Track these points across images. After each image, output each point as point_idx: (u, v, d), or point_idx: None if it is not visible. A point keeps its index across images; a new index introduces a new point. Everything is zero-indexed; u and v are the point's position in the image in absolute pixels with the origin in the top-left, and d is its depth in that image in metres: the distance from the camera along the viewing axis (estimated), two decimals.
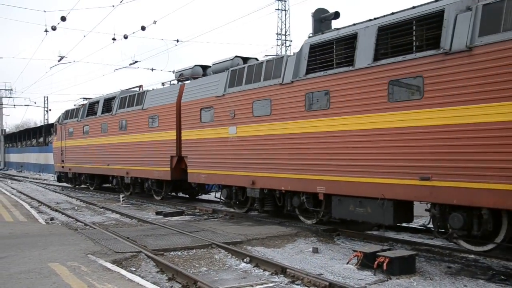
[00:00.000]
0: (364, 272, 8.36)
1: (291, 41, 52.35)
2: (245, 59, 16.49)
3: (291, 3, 59.54)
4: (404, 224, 12.64)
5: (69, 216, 15.93)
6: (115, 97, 23.21)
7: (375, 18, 10.80)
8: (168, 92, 18.85)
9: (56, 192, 26.24)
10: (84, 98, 28.06)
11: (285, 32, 46.54)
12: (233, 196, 15.49)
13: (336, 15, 15.55)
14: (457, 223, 8.93)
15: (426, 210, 9.99)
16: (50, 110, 59.51)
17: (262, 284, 7.73)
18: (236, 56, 16.48)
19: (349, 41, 11.15)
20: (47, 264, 8.22)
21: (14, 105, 61.36)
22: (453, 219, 9.03)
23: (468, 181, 8.56)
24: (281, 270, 8.25)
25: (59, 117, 30.67)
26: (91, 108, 25.75)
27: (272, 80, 13.29)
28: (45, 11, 24.50)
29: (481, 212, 8.66)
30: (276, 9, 46.22)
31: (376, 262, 8.27)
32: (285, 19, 46.53)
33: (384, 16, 10.60)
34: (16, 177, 41.13)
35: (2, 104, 62.77)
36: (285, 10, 46.53)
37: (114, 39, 25.73)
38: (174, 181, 18.91)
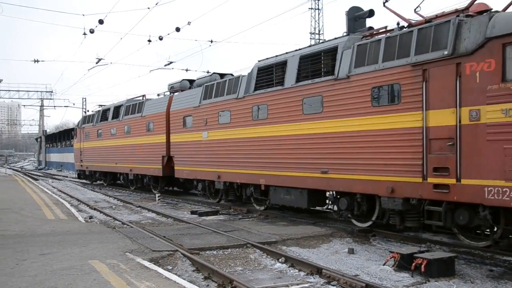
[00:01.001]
0: (401, 273, 8.23)
1: (325, 40, 52.04)
2: (222, 75, 19.56)
3: (324, 1, 59.13)
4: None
5: (107, 215, 16.29)
6: (122, 105, 26.97)
7: (300, 49, 13.90)
8: (160, 102, 22.40)
9: (94, 191, 26.89)
10: (99, 105, 32.21)
11: (319, 31, 46.30)
12: (206, 188, 18.69)
13: (371, 13, 15.36)
14: (343, 205, 12.19)
15: (327, 197, 13.54)
16: (88, 111, 61.02)
17: (297, 284, 7.72)
18: (214, 73, 20.03)
19: (282, 66, 14.12)
20: (87, 261, 8.44)
21: (54, 107, 63.41)
22: (341, 202, 12.28)
23: (348, 173, 11.67)
24: (317, 270, 8.22)
25: (79, 122, 34.81)
26: (104, 114, 29.52)
27: (231, 95, 16.38)
28: (83, 15, 25.29)
29: (354, 196, 11.80)
30: (309, 8, 46.09)
31: (413, 264, 8.13)
32: (318, 18, 46.28)
33: (305, 47, 13.90)
34: (56, 176, 42.39)
35: (43, 106, 64.74)
36: (318, 9, 46.31)
37: (149, 40, 26.21)
38: (167, 177, 22.12)
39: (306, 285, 7.65)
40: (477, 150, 8.93)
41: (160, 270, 7.91)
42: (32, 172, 50.84)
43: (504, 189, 8.45)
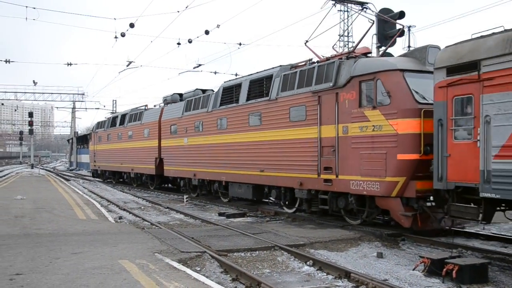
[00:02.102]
0: (432, 279, 8.09)
1: (354, 42, 51.47)
2: (204, 91, 22.95)
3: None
4: (473, 231, 12.26)
5: (136, 216, 16.54)
6: (127, 113, 31.15)
7: (251, 74, 17.58)
8: (155, 112, 26.60)
9: (123, 192, 27.33)
10: (111, 112, 38.27)
11: (348, 33, 45.93)
12: (187, 185, 22.88)
13: (401, 14, 15.20)
14: (274, 196, 16.21)
15: (267, 190, 16.76)
16: (114, 113, 62.12)
17: (325, 287, 7.67)
18: (197, 89, 23.47)
19: (238, 87, 17.91)
20: (117, 261, 8.59)
21: (86, 109, 64.70)
22: (272, 193, 16.20)
23: (276, 172, 15.49)
24: (345, 274, 8.15)
25: (93, 127, 39.70)
26: (113, 121, 33.68)
27: (203, 109, 20.48)
28: (115, 19, 25.61)
29: (280, 188, 15.69)
30: (338, 10, 45.69)
31: (444, 270, 7.98)
32: (348, 20, 45.90)
33: (254, 73, 17.38)
34: (87, 177, 43.21)
35: (75, 108, 66.14)
36: (347, 11, 45.89)
37: (179, 43, 26.50)
38: (161, 176, 25.95)
39: None
40: (346, 154, 12.66)
41: (188, 271, 7.98)
42: (64, 173, 51.97)
43: (359, 182, 12.22)
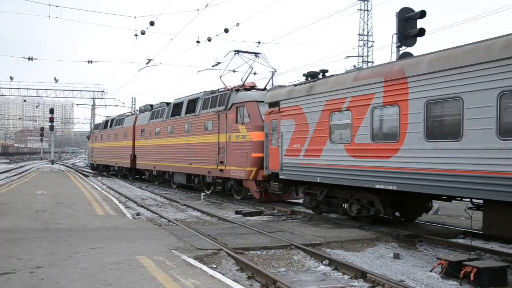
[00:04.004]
0: (449, 281, 8.02)
1: (373, 41, 51.11)
2: (168, 103, 28.04)
3: (373, 2, 58.21)
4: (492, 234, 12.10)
5: (153, 212, 16.68)
6: (114, 118, 39.38)
7: (191, 95, 24.82)
8: (132, 118, 34.23)
9: (141, 188, 27.61)
10: (106, 116, 45.53)
11: (367, 32, 45.58)
12: (151, 175, 30.68)
13: (422, 14, 15.04)
14: (197, 182, 23.51)
15: (193, 178, 24.23)
16: (136, 110, 62.65)
17: (341, 287, 7.65)
18: (162, 102, 29.34)
19: (181, 104, 25.22)
20: (134, 256, 8.69)
21: (105, 106, 65.38)
22: (195, 180, 23.75)
23: (197, 165, 22.63)
24: (361, 274, 8.12)
25: (92, 128, 49.97)
26: (105, 124, 41.88)
27: (161, 118, 27.97)
28: (135, 17, 25.93)
29: (199, 176, 23.28)
30: (358, 9, 45.39)
31: (462, 272, 7.90)
32: (367, 19, 45.56)
33: (191, 95, 24.69)
34: (105, 174, 43.71)
35: (95, 105, 66.87)
36: (367, 10, 45.55)
37: (198, 42, 26.63)
38: (134, 169, 33.50)
39: None
40: (230, 153, 19.73)
41: (204, 268, 8.04)
42: (83, 169, 52.63)
43: (235, 171, 19.24)
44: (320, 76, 14.85)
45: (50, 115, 55.31)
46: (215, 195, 22.06)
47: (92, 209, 16.21)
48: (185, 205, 18.99)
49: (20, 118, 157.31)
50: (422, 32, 15.11)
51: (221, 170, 20.19)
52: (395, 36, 15.66)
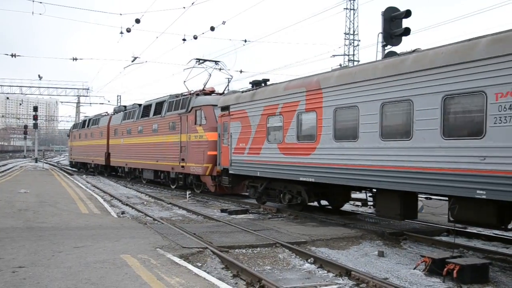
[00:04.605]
0: (432, 278, 8.10)
1: (359, 40, 51.35)
2: (140, 105, 30.06)
3: (359, 2, 58.43)
4: (475, 231, 12.28)
5: (138, 211, 16.58)
6: (91, 118, 41.49)
7: (157, 98, 26.99)
8: (106, 119, 36.17)
9: (126, 187, 27.43)
10: (85, 116, 49.44)
11: (353, 31, 45.81)
12: (123, 171, 32.99)
13: (407, 13, 15.16)
14: (162, 177, 26.06)
15: (160, 174, 26.55)
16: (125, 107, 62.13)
17: (326, 285, 7.69)
18: (135, 104, 31.35)
19: (150, 106, 27.29)
20: (119, 255, 8.63)
21: (90, 104, 64.80)
22: (161, 175, 26.19)
23: (162, 161, 25.06)
24: (346, 272, 8.17)
25: (71, 127, 51.50)
26: (83, 123, 44.10)
27: (132, 119, 30.08)
28: (121, 14, 25.69)
29: (164, 172, 25.84)
30: (344, 8, 45.62)
31: (445, 269, 7.98)
32: (354, 18, 45.79)
33: (157, 98, 26.84)
34: (90, 172, 43.36)
35: (80, 103, 66.28)
36: (353, 9, 45.83)
37: (184, 39, 26.56)
38: (109, 166, 35.81)
39: (335, 286, 7.62)
40: (190, 151, 21.99)
41: (189, 266, 8.01)
42: (67, 167, 52.11)
43: (194, 167, 21.49)
44: (263, 85, 16.87)
45: (34, 113, 54.70)
46: (200, 194, 22.04)
47: (77, 208, 16.06)
48: (170, 203, 18.91)
49: (2, 116, 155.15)
50: (407, 31, 15.24)
51: (182, 166, 22.64)
52: (380, 35, 15.77)
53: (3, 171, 39.60)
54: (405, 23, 15.54)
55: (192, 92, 23.33)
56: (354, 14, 45.78)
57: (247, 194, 19.44)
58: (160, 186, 26.96)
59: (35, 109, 55.24)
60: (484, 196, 8.63)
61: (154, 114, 26.27)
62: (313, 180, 13.51)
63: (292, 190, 15.38)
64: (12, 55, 37.05)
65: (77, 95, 60.16)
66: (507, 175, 8.23)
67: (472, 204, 9.28)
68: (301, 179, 13.96)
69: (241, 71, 38.30)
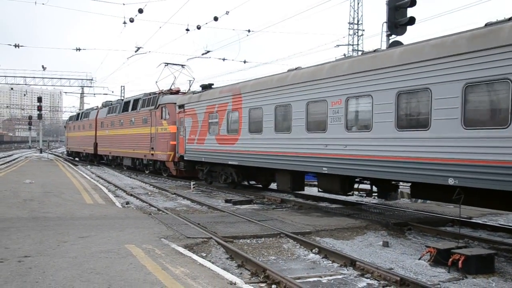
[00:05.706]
0: (437, 269, 8.08)
1: (364, 30, 51.00)
2: (123, 100, 35.09)
3: None
4: (480, 222, 12.24)
5: (143, 201, 16.62)
6: (84, 112, 46.26)
7: (136, 95, 31.51)
8: (94, 112, 40.57)
9: (130, 177, 27.49)
10: (79, 109, 51.69)
11: (358, 21, 45.50)
12: (108, 159, 37.26)
13: (412, 3, 14.98)
14: (140, 164, 30.24)
15: (136, 161, 31.18)
16: (123, 98, 62.13)
17: (330, 275, 7.69)
18: (120, 99, 38.01)
19: (129, 102, 31.74)
20: (124, 245, 8.64)
21: (94, 94, 64.87)
22: (138, 162, 30.60)
23: (138, 150, 29.42)
24: (350, 262, 8.16)
25: (68, 119, 55.61)
26: (77, 116, 48.76)
27: (115, 113, 34.27)
28: (124, 4, 25.53)
29: (139, 159, 30.27)
30: None
31: (450, 260, 7.96)
32: (358, 7, 45.46)
33: (138, 95, 31.21)
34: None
35: (83, 93, 66.29)
36: None
37: (187, 29, 26.44)
38: (97, 155, 39.97)
39: (339, 276, 7.62)
40: (157, 141, 26.36)
41: (194, 256, 8.02)
42: (71, 158, 52.28)
43: (160, 155, 26.06)
44: (209, 89, 21.23)
45: (38, 104, 54.76)
46: (204, 185, 22.06)
47: (81, 198, 16.11)
48: (175, 193, 18.94)
49: (7, 107, 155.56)
50: (412, 20, 15.07)
51: (152, 154, 27.14)
52: (385, 24, 15.61)
53: (8, 162, 39.76)
54: (410, 12, 15.38)
55: (162, 91, 27.28)
56: (358, 3, 45.45)
57: (202, 178, 23.17)
58: (137, 171, 31.17)
59: (39, 99, 55.32)
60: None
61: (132, 109, 30.59)
62: (237, 163, 17.75)
63: (227, 172, 19.86)
64: (15, 45, 36.99)
65: (81, 86, 60.06)
66: None
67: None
68: (229, 162, 18.26)
69: (244, 61, 38.14)
